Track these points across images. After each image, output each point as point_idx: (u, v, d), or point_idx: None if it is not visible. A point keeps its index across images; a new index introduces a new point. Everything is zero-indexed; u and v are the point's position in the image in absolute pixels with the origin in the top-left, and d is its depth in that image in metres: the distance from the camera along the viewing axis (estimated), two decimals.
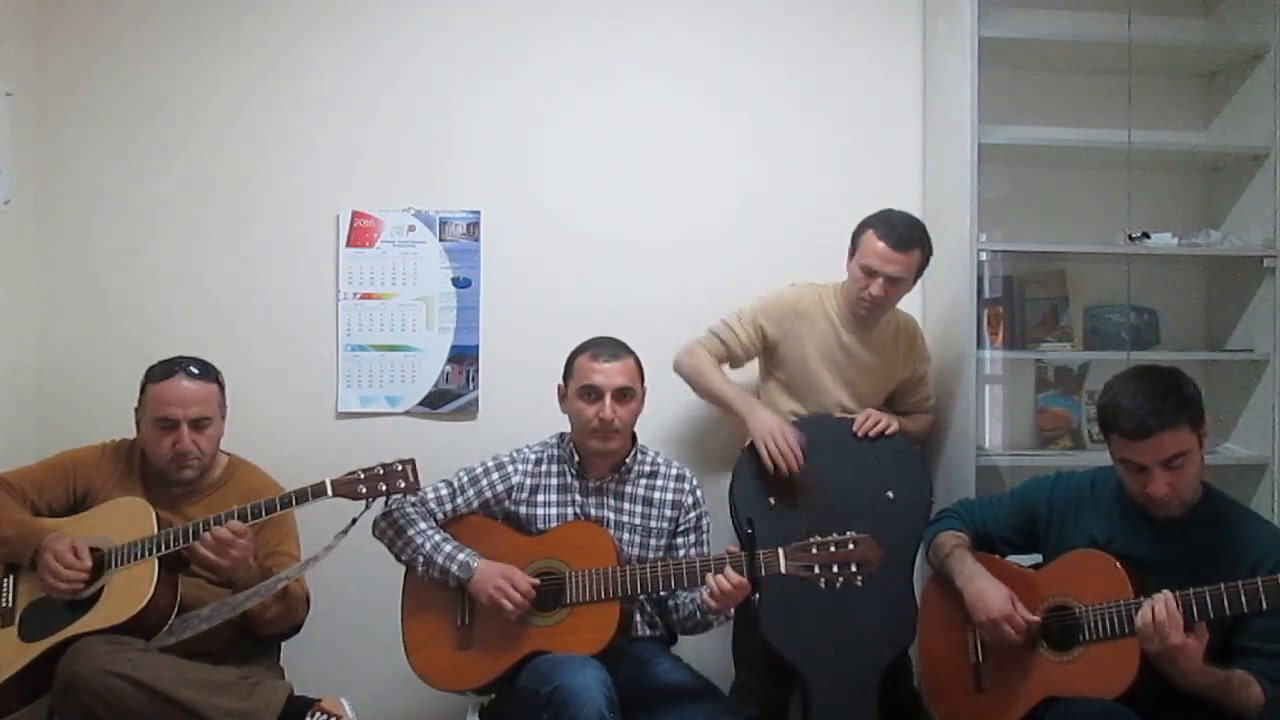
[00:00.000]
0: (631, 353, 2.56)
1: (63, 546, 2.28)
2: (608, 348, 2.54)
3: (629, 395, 2.51)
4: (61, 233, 3.04)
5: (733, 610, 2.38)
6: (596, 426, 2.48)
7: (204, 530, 2.26)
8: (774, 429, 2.67)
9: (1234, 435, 3.14)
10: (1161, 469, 2.09)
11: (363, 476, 2.34)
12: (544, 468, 2.57)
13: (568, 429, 2.61)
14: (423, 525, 2.45)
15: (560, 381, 2.60)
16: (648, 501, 2.57)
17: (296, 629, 2.52)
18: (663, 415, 2.95)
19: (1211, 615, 2.01)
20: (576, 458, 2.56)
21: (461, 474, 2.55)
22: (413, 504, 2.47)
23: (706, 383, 2.79)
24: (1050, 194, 3.25)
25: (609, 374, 2.50)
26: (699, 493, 2.62)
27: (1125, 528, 2.24)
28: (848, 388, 2.84)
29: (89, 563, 2.29)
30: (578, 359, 2.55)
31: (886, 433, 2.75)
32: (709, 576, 2.24)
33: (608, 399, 2.47)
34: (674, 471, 2.61)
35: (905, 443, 2.81)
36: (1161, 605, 2.00)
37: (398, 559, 2.46)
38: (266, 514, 2.31)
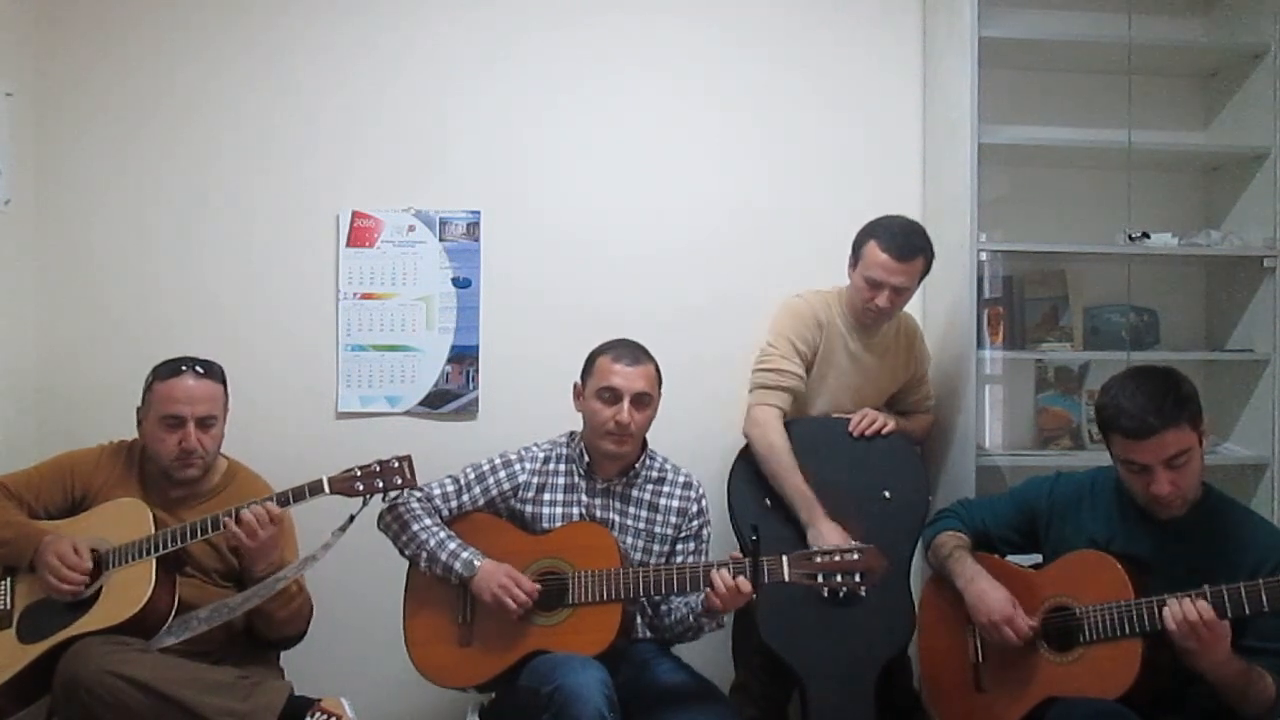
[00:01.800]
0: (653, 359, 2.54)
1: (64, 546, 2.28)
2: (630, 351, 2.52)
3: (646, 401, 2.50)
4: (62, 233, 3.04)
5: (727, 615, 2.38)
6: (612, 429, 2.47)
7: (224, 520, 2.27)
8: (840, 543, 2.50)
9: (1234, 435, 3.14)
10: (1164, 468, 2.09)
11: (359, 474, 2.34)
12: (552, 466, 2.56)
13: (569, 429, 2.60)
14: (427, 521, 2.44)
15: (577, 379, 2.58)
16: (653, 507, 2.56)
17: (301, 636, 2.51)
18: (661, 415, 2.94)
19: (1230, 614, 1.99)
20: (586, 458, 2.55)
21: (468, 470, 2.54)
22: (418, 499, 2.47)
23: (781, 477, 2.64)
24: (1050, 194, 3.25)
25: (630, 378, 2.48)
26: (704, 502, 2.61)
27: (1125, 528, 2.24)
28: (853, 393, 2.83)
29: (89, 564, 2.29)
30: (599, 359, 2.53)
31: (883, 432, 2.75)
32: (714, 573, 2.23)
33: (626, 402, 2.46)
34: (681, 479, 2.60)
35: (902, 442, 2.80)
36: (1193, 609, 1.98)
37: (401, 553, 2.46)
38: None
